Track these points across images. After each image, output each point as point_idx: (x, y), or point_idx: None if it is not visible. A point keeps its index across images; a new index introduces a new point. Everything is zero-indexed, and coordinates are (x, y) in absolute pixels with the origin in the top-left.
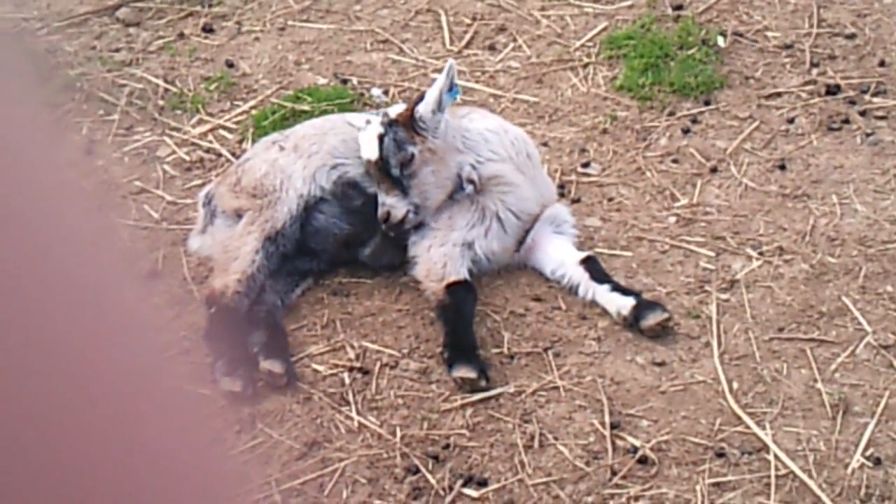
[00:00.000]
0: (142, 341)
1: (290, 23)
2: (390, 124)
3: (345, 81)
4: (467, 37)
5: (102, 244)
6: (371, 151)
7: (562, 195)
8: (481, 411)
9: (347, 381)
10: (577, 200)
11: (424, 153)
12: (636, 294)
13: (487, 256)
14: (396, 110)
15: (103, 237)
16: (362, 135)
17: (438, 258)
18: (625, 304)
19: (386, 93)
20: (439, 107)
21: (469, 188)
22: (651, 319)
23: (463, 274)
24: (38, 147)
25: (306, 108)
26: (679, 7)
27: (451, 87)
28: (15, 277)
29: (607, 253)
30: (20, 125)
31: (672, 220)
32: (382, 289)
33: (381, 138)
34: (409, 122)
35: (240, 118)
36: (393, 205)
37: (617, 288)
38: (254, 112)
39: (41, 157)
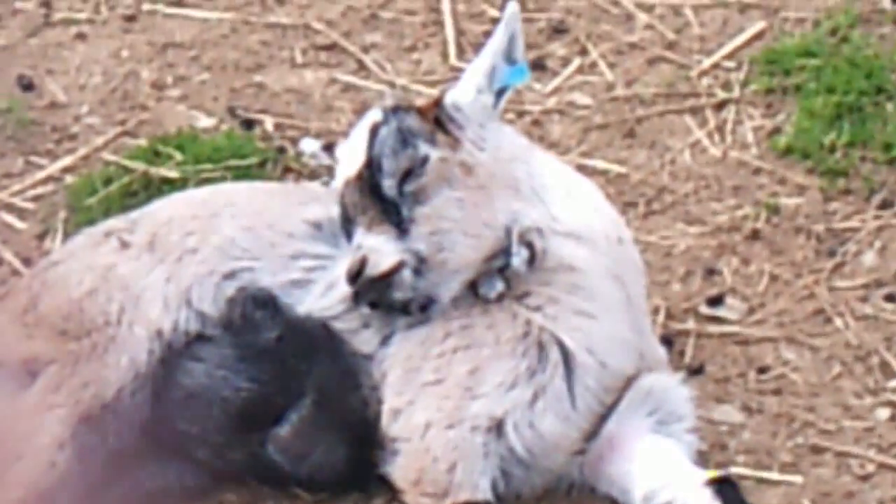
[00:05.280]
0: None
1: (145, 7)
2: (395, 110)
3: (248, 123)
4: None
5: None
6: (354, 159)
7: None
8: None
9: None
10: (697, 370)
11: (450, 164)
12: None
13: (529, 452)
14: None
15: None
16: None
17: (442, 449)
18: None
19: (328, 148)
20: (491, 84)
21: (522, 259)
22: None
23: (483, 491)
24: None
25: (172, 173)
26: None
27: (514, 60)
28: None
29: (752, 475)
30: None
31: (884, 415)
32: None
33: (374, 131)
34: (431, 112)
35: (42, 190)
36: (375, 247)
37: None
38: (69, 178)
39: None
